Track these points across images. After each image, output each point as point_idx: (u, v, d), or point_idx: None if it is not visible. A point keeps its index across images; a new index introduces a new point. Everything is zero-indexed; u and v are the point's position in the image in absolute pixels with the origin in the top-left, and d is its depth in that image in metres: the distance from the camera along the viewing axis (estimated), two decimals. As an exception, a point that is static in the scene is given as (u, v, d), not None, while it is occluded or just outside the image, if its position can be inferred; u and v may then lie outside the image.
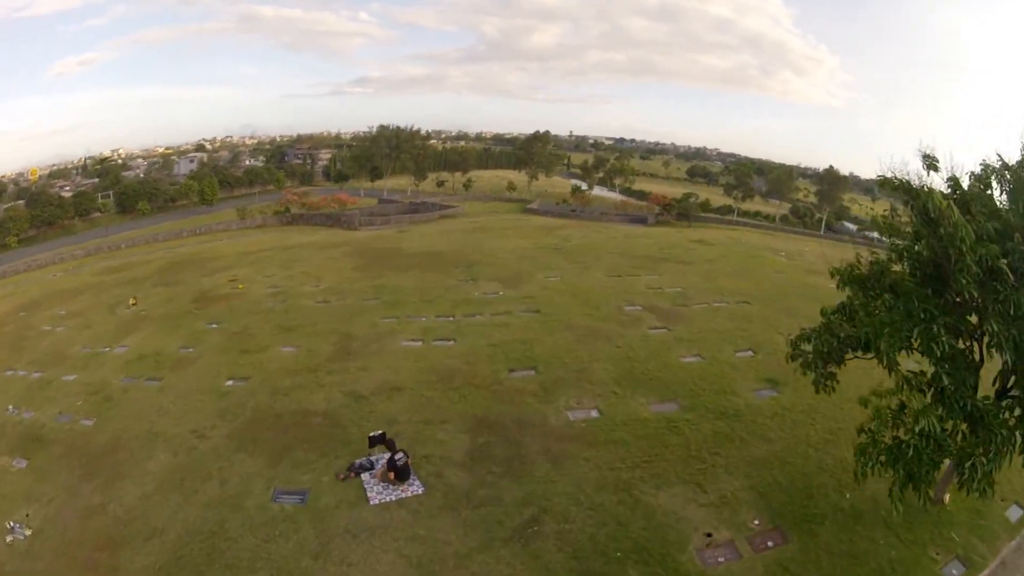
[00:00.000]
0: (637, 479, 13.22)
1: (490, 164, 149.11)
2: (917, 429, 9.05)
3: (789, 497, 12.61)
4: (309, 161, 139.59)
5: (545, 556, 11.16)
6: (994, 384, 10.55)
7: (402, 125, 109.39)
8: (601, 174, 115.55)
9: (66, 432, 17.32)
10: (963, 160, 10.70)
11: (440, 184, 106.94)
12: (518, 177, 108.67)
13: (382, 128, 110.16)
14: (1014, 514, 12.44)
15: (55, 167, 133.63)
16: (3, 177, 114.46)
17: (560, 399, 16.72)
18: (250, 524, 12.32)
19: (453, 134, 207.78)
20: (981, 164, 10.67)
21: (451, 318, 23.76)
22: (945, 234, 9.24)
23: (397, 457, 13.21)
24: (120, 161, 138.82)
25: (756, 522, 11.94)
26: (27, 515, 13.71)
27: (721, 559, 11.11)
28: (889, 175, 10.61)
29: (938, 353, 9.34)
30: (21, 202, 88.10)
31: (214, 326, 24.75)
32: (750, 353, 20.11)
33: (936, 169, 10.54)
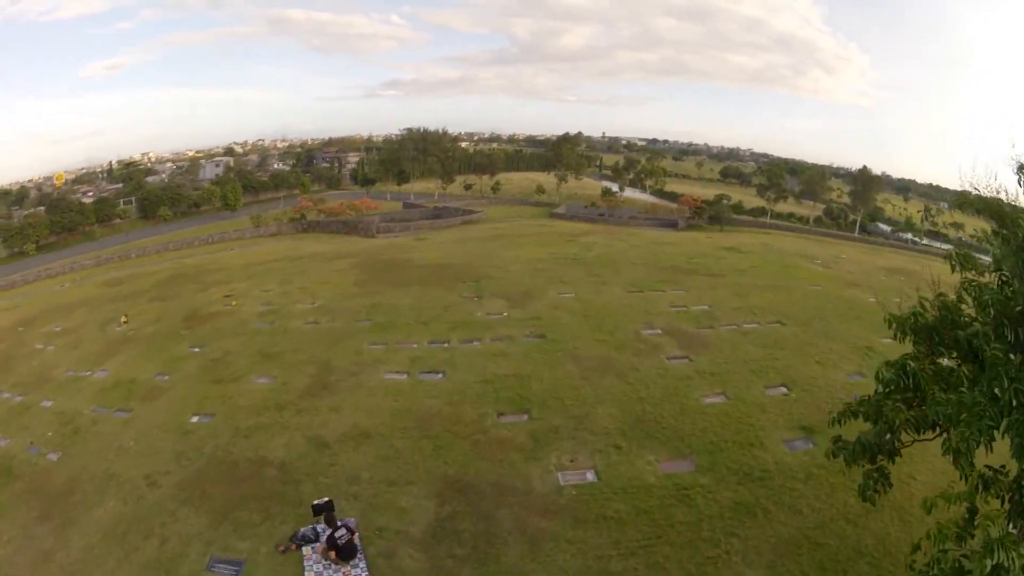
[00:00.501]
0: (631, 570, 10.67)
1: (521, 166, 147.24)
2: (990, 566, 5.88)
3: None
4: (337, 164, 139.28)
5: None
6: None
7: (431, 127, 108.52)
8: (632, 176, 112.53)
9: (32, 466, 16.75)
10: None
11: (468, 187, 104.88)
12: (547, 179, 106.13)
13: (409, 130, 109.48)
14: None
15: (83, 170, 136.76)
16: (28, 182, 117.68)
17: (551, 455, 14.20)
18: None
19: (486, 136, 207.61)
20: None
21: (445, 344, 21.50)
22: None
23: (339, 535, 11.03)
24: (148, 165, 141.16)
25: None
26: None
27: None
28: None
29: None
30: (42, 208, 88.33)
31: (196, 350, 23.34)
32: (783, 390, 17.49)
33: None
